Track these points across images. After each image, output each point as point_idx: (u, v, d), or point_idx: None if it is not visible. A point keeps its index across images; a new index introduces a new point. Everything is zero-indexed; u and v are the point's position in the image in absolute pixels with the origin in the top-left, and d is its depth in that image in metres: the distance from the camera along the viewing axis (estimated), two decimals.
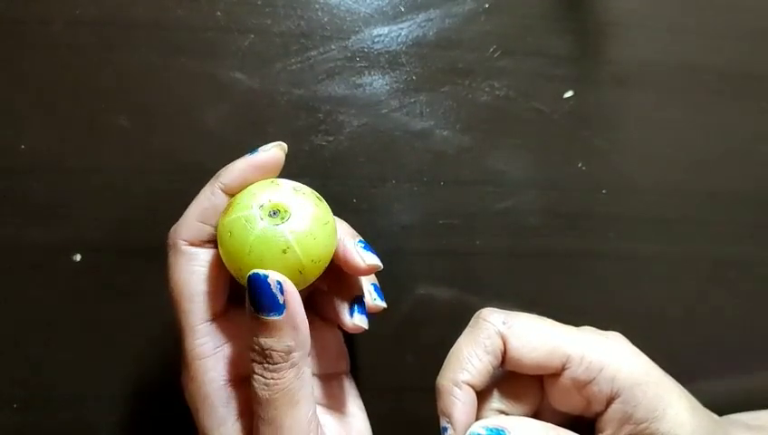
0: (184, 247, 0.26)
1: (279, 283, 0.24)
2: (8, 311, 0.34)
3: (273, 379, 0.24)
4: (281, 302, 0.24)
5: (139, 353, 0.35)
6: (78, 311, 0.34)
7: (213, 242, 0.27)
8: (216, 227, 0.26)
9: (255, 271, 0.24)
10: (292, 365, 0.25)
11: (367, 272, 0.27)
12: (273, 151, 0.27)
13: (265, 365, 0.24)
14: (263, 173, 0.27)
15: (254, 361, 0.25)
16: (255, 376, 0.25)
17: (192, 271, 0.26)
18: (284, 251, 0.24)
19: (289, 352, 0.24)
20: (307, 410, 0.25)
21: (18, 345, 0.34)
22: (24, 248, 0.34)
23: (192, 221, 0.26)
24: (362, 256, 0.27)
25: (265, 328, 0.24)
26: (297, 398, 0.25)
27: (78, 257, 0.34)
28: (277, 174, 0.27)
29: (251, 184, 0.26)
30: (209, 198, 0.27)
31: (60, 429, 0.34)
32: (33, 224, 0.34)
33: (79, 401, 0.34)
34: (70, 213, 0.34)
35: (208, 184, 0.27)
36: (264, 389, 0.24)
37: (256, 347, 0.24)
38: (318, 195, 0.27)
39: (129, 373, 0.35)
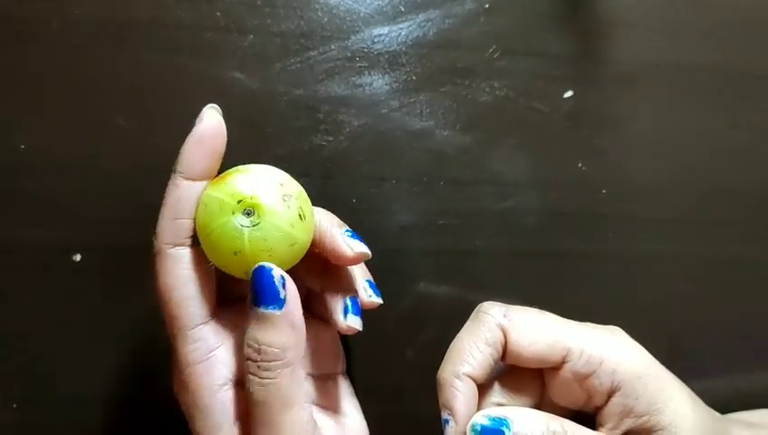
0: (168, 250, 0.26)
1: (282, 278, 0.24)
2: (8, 311, 0.34)
3: (267, 378, 0.24)
4: (281, 296, 0.24)
5: (139, 353, 0.35)
6: (78, 311, 0.34)
7: (194, 238, 0.26)
8: (192, 218, 0.26)
9: (261, 264, 0.24)
10: (286, 365, 0.24)
11: (355, 261, 0.27)
12: (210, 117, 0.26)
13: (260, 364, 0.24)
14: (210, 145, 0.26)
15: (248, 359, 0.25)
16: (250, 376, 0.25)
17: (177, 275, 0.26)
18: (235, 253, 0.24)
19: (284, 350, 0.24)
20: (303, 412, 0.25)
21: (18, 345, 0.34)
22: (24, 248, 0.34)
23: (168, 221, 0.26)
24: (350, 245, 0.27)
25: (263, 322, 0.24)
26: (292, 399, 0.25)
27: (78, 257, 0.34)
28: (224, 139, 0.26)
29: (206, 163, 0.26)
30: (173, 191, 0.26)
31: (59, 428, 0.34)
32: (33, 224, 0.34)
33: (78, 400, 0.34)
34: (70, 213, 0.34)
35: (170, 180, 0.26)
36: (259, 389, 0.24)
37: (252, 343, 0.24)
38: (304, 211, 0.26)
39: (129, 373, 0.35)
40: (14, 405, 0.34)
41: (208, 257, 0.26)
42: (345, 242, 0.27)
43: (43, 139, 0.34)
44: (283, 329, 0.24)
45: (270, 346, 0.24)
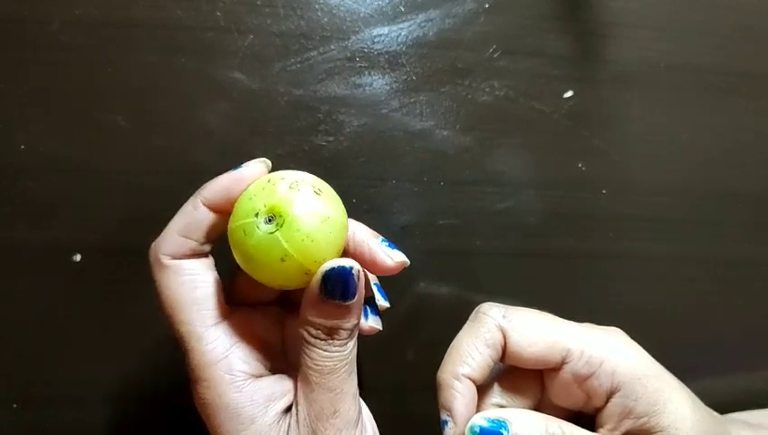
0: (167, 262, 0.26)
1: (359, 271, 0.25)
2: (8, 311, 0.34)
3: (337, 351, 0.25)
4: (357, 288, 0.25)
5: (138, 354, 0.35)
6: (78, 311, 0.34)
7: (196, 255, 0.27)
8: (199, 242, 0.26)
9: (341, 265, 0.25)
10: (352, 337, 0.26)
11: (395, 270, 0.27)
12: (257, 167, 0.27)
13: (330, 341, 0.25)
14: (243, 189, 0.26)
15: (317, 338, 0.25)
16: (319, 350, 0.25)
17: (181, 282, 0.26)
18: (282, 260, 0.24)
19: (354, 328, 0.26)
20: (356, 375, 0.26)
21: (18, 345, 0.34)
22: (24, 248, 0.34)
23: (173, 236, 0.26)
24: (390, 255, 0.27)
25: (342, 312, 0.25)
26: (353, 365, 0.26)
27: (78, 257, 0.34)
28: None
29: (231, 202, 0.26)
30: (191, 212, 0.26)
31: (59, 429, 0.34)
32: (33, 224, 0.34)
33: (78, 400, 0.34)
34: (70, 213, 0.34)
35: (191, 198, 0.27)
36: (327, 361, 0.25)
37: (322, 328, 0.25)
38: (317, 187, 0.26)
39: (128, 374, 0.35)
40: (14, 405, 0.34)
41: (261, 282, 0.26)
42: (385, 253, 0.27)
43: (43, 139, 0.34)
44: (356, 311, 0.25)
45: (344, 328, 0.25)
